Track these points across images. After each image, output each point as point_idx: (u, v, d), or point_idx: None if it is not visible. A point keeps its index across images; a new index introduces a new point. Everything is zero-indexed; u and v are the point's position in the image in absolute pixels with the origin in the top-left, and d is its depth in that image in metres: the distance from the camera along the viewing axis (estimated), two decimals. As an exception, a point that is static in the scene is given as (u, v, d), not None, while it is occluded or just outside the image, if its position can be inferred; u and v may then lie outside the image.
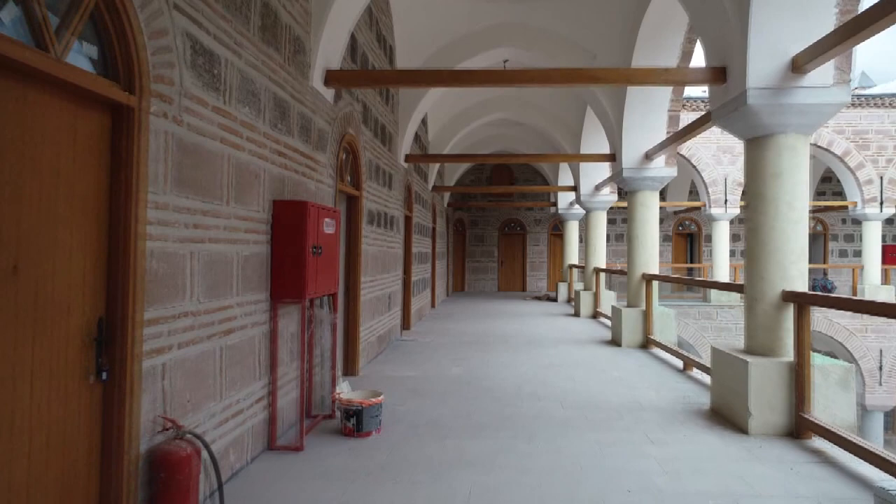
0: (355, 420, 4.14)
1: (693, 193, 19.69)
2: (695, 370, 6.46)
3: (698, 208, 16.89)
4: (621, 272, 10.00)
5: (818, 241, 19.99)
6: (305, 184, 4.52)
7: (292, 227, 3.88)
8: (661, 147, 7.80)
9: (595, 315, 11.99)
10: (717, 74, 4.68)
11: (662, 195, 19.86)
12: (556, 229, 20.32)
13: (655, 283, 8.24)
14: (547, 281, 20.33)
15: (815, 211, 19.03)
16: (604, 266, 12.26)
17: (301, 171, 4.43)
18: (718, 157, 15.68)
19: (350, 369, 6.19)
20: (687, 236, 20.71)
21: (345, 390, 4.78)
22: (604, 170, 11.92)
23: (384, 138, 7.60)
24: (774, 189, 4.46)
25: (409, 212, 9.93)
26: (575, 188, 12.62)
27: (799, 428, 4.15)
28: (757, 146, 4.57)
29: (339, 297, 6.12)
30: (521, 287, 20.43)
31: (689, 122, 6.71)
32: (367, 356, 6.77)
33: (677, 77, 4.88)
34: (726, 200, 15.60)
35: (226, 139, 3.22)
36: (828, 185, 19.60)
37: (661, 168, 8.22)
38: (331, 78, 4.78)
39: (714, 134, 15.60)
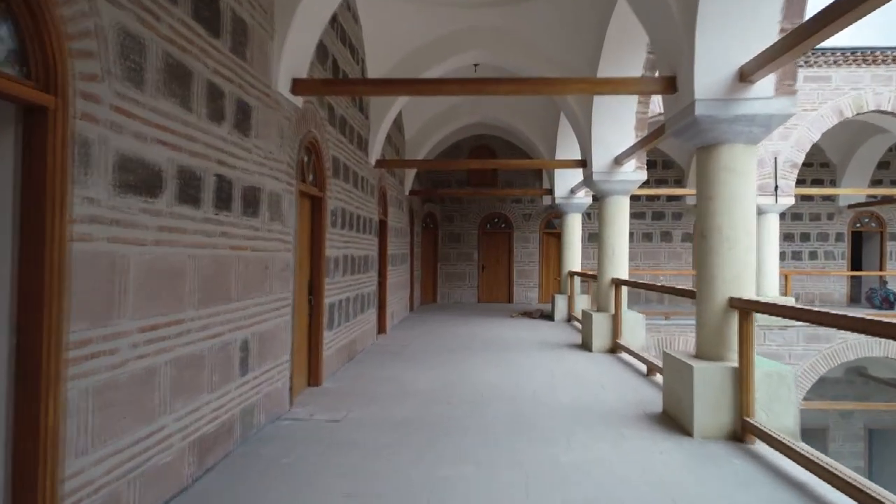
0: None
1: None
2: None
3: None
4: (674, 291, 6.07)
5: (873, 240, 16.37)
6: None
7: None
8: (775, 56, 3.92)
9: (614, 349, 8.11)
10: None
11: (681, 182, 16.10)
12: (551, 226, 16.47)
13: (756, 318, 4.39)
14: (539, 290, 16.45)
15: (867, 204, 15.42)
16: (626, 276, 8.39)
17: None
18: (766, 129, 11.88)
19: (24, 588, 2.22)
20: (709, 235, 16.91)
21: None
22: (627, 134, 8.07)
23: (214, 22, 3.64)
24: None
25: (320, 191, 5.98)
26: (583, 163, 8.74)
27: None
28: None
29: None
30: (507, 297, 16.53)
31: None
32: (129, 512, 2.80)
33: None
34: (776, 187, 11.81)
35: None
36: (885, 171, 15.91)
37: (770, 99, 4.34)
38: None
39: (760, 98, 11.81)
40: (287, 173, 4.93)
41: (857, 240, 16.53)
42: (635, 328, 8.17)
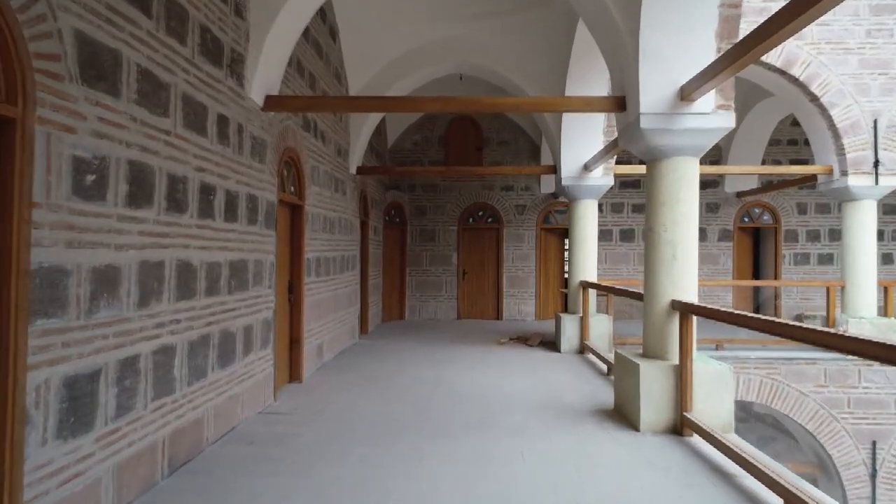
0: None
1: (769, 159, 12.44)
2: None
3: (811, 179, 9.56)
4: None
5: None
6: None
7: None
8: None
9: (680, 426, 4.54)
10: None
11: (717, 162, 12.60)
12: (549, 221, 12.90)
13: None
14: (535, 303, 12.87)
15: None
16: (696, 296, 4.83)
17: None
18: (862, 80, 8.38)
19: None
20: (752, 233, 13.43)
21: None
22: (700, 45, 4.52)
23: None
24: None
25: (9, 102, 2.35)
26: (620, 103, 5.14)
27: None
28: None
29: None
30: (495, 313, 12.94)
31: None
32: None
33: None
34: (877, 161, 8.32)
35: None
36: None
37: None
38: None
39: (851, 34, 8.33)
40: None
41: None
42: (716, 389, 4.60)
